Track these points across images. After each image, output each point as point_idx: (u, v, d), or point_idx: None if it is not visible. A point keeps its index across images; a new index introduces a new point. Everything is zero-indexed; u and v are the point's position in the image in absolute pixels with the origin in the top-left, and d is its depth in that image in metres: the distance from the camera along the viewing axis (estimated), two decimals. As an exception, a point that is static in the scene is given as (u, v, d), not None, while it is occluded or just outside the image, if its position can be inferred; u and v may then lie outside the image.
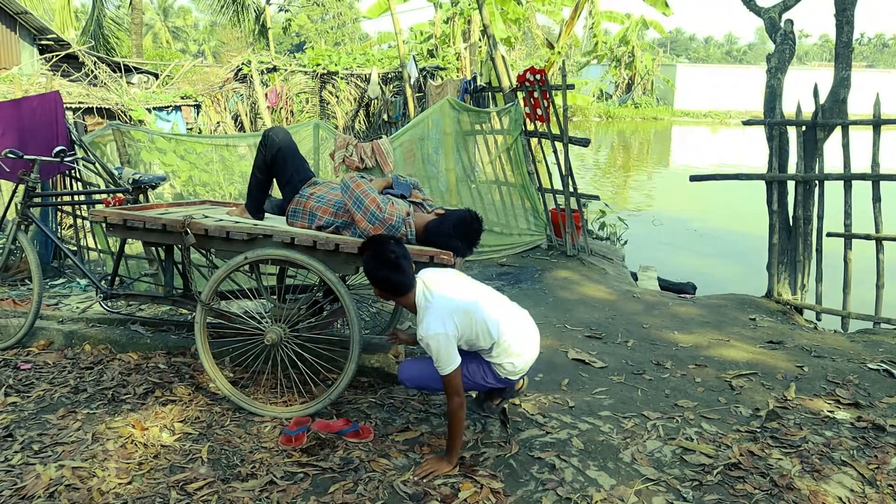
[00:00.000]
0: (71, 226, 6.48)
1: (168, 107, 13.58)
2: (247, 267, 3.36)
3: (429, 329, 2.68)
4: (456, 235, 3.20)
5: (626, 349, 4.46)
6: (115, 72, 14.00)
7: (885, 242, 5.53)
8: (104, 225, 3.58)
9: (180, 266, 3.78)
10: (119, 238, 3.92)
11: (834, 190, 5.78)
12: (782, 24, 6.41)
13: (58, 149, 4.32)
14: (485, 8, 8.82)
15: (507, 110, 7.51)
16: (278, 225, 3.46)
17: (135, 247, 5.98)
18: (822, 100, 5.83)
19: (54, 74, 12.41)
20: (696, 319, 5.35)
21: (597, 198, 7.72)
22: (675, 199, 15.94)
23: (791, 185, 6.05)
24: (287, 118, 15.34)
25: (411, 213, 3.31)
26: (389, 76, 15.66)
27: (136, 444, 2.96)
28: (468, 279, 3.03)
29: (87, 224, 6.32)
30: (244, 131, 14.53)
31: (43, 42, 15.60)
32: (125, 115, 11.94)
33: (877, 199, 5.52)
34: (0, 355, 3.98)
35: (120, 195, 4.24)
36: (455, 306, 2.76)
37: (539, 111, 7.23)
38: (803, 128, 5.88)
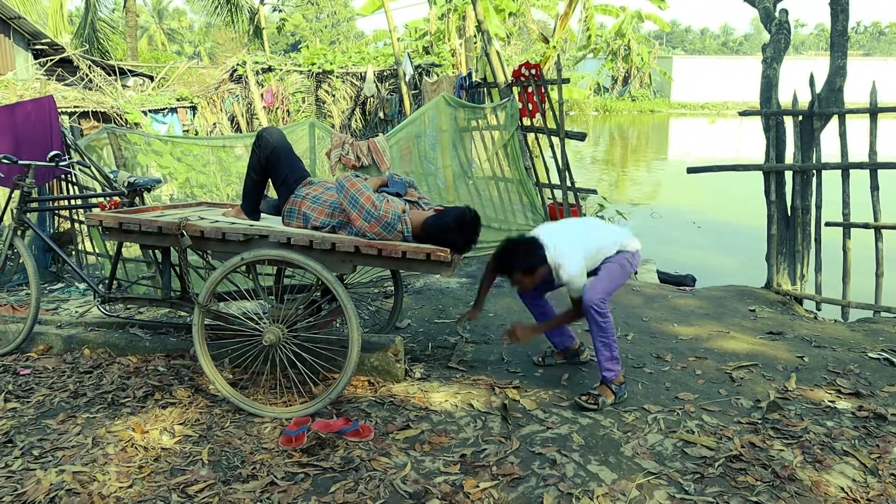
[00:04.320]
0: (67, 230, 6.46)
1: (164, 109, 13.54)
2: (244, 268, 3.35)
3: (571, 271, 3.38)
4: (454, 231, 3.20)
5: (626, 342, 4.45)
6: (110, 75, 13.95)
7: (883, 231, 5.53)
8: (100, 228, 3.57)
9: (178, 268, 3.78)
10: (116, 241, 3.91)
11: (832, 179, 5.77)
12: (777, 14, 6.39)
13: (53, 153, 4.31)
14: (478, 3, 8.80)
15: (503, 106, 7.50)
16: (274, 225, 3.45)
17: (133, 250, 5.97)
18: (818, 89, 5.82)
19: (49, 79, 12.39)
20: (696, 311, 5.34)
21: (594, 192, 7.71)
22: (673, 192, 15.94)
23: (789, 175, 6.04)
24: (283, 118, 15.31)
25: (407, 210, 3.30)
26: (385, 74, 15.63)
27: (136, 448, 2.96)
28: (572, 221, 3.86)
29: (85, 228, 6.31)
30: (241, 132, 14.50)
31: (37, 47, 15.56)
32: (121, 119, 11.91)
33: (875, 187, 5.51)
34: (-1, 361, 3.98)
35: (116, 198, 4.23)
36: (576, 250, 3.44)
37: (531, 106, 7.23)
38: (800, 117, 5.87)
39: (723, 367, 3.94)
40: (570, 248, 3.43)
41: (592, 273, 3.57)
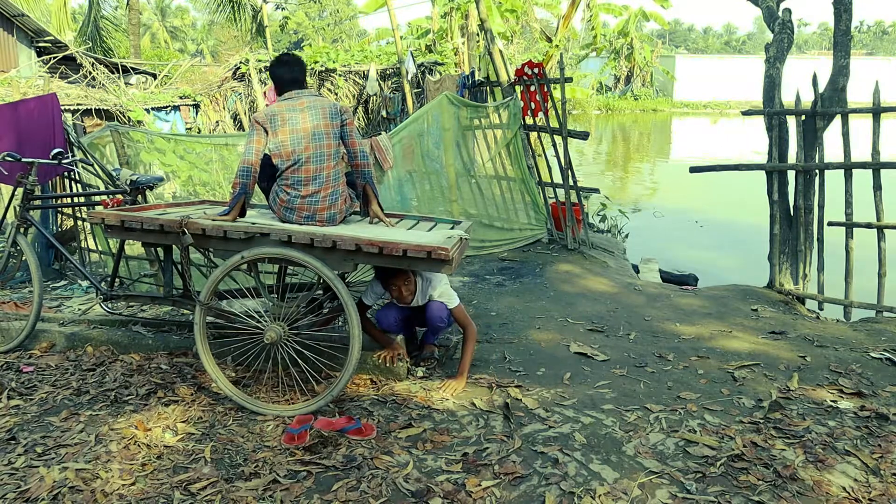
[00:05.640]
0: (70, 227, 6.47)
1: (167, 107, 13.55)
2: (245, 266, 3.36)
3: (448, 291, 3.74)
4: (275, 66, 3.60)
5: (629, 342, 4.45)
6: (113, 73, 13.96)
7: (886, 231, 5.52)
8: (102, 226, 3.58)
9: (180, 266, 3.78)
10: (118, 239, 3.92)
11: (834, 179, 5.76)
12: (780, 13, 6.38)
13: (55, 151, 4.31)
14: (482, 2, 8.79)
15: (505, 105, 7.49)
16: (276, 223, 3.46)
17: (135, 247, 5.97)
18: (821, 88, 5.80)
19: (52, 76, 12.40)
20: (699, 311, 5.34)
21: (597, 191, 7.71)
22: (675, 191, 15.92)
23: (791, 174, 6.03)
24: (286, 116, 15.25)
25: None
26: (388, 72, 15.63)
27: (139, 445, 2.97)
28: None
29: (88, 226, 6.31)
30: (243, 130, 14.50)
31: (40, 44, 15.59)
32: (124, 116, 11.92)
33: (877, 187, 5.50)
34: (2, 358, 3.98)
35: (118, 196, 4.24)
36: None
37: (533, 105, 7.22)
38: (803, 117, 5.86)
39: (725, 367, 3.94)
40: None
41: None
